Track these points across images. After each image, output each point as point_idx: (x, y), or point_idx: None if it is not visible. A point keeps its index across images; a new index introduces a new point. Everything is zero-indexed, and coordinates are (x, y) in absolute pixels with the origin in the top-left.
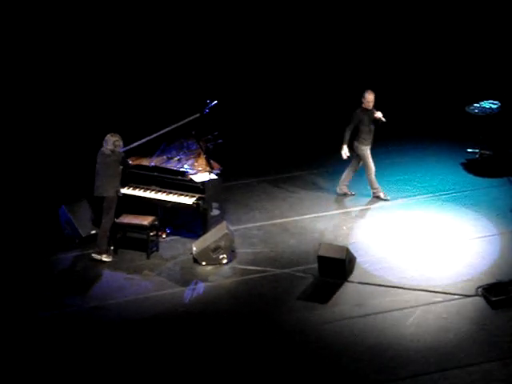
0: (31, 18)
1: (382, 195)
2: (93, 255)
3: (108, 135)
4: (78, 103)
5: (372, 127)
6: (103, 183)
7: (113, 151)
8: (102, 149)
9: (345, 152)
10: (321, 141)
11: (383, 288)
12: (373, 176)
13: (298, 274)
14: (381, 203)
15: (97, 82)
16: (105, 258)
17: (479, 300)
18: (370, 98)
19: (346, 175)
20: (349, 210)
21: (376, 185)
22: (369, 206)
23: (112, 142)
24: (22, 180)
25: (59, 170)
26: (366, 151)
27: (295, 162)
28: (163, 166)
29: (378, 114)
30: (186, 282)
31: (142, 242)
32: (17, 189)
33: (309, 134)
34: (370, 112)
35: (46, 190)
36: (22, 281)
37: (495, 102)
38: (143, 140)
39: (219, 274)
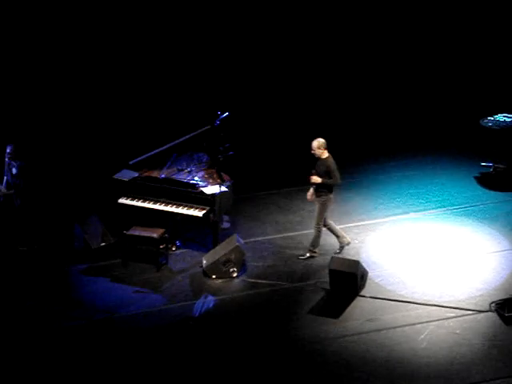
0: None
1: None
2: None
3: None
4: (89, 116)
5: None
6: None
7: None
8: None
9: None
10: (333, 154)
11: (396, 303)
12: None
13: (309, 287)
14: (395, 217)
15: (108, 95)
16: None
17: (492, 316)
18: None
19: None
20: (361, 223)
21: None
22: (381, 220)
23: None
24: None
25: (71, 183)
26: None
27: (307, 174)
28: (173, 177)
29: (313, 177)
30: (195, 296)
31: (152, 255)
32: (29, 201)
33: None
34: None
35: (55, 202)
36: (31, 293)
37: (509, 115)
38: (154, 152)
39: (229, 288)
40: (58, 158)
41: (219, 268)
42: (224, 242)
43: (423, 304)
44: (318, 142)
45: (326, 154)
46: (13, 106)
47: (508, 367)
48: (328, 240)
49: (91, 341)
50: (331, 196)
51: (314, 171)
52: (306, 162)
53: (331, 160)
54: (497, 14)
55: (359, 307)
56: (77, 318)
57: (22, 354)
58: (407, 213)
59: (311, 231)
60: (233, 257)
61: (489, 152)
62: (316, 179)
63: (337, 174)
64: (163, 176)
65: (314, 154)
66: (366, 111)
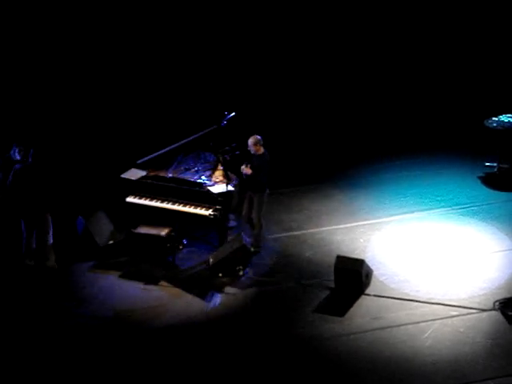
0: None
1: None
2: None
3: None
4: (96, 115)
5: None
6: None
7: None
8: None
9: None
10: (337, 153)
11: (400, 301)
12: None
13: (314, 286)
14: (400, 216)
15: (116, 94)
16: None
17: (496, 314)
18: None
19: None
20: (366, 222)
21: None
22: (386, 219)
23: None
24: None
25: (76, 180)
26: None
27: (311, 174)
28: (181, 177)
29: (246, 168)
30: (202, 293)
31: (159, 253)
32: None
33: (325, 147)
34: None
35: (63, 199)
36: (37, 290)
37: None
38: (161, 151)
39: (235, 286)
40: (66, 158)
41: (225, 266)
42: (230, 241)
43: (427, 302)
44: (254, 139)
45: (261, 151)
46: (22, 105)
47: (510, 365)
48: (334, 239)
49: (97, 338)
50: (267, 192)
51: (249, 164)
52: (310, 161)
53: (267, 157)
54: (502, 13)
55: (364, 306)
56: (83, 316)
57: (28, 352)
58: (412, 212)
59: (316, 230)
60: (239, 255)
61: (493, 152)
62: (248, 170)
63: (267, 170)
64: (170, 175)
65: (249, 151)
66: (370, 111)
